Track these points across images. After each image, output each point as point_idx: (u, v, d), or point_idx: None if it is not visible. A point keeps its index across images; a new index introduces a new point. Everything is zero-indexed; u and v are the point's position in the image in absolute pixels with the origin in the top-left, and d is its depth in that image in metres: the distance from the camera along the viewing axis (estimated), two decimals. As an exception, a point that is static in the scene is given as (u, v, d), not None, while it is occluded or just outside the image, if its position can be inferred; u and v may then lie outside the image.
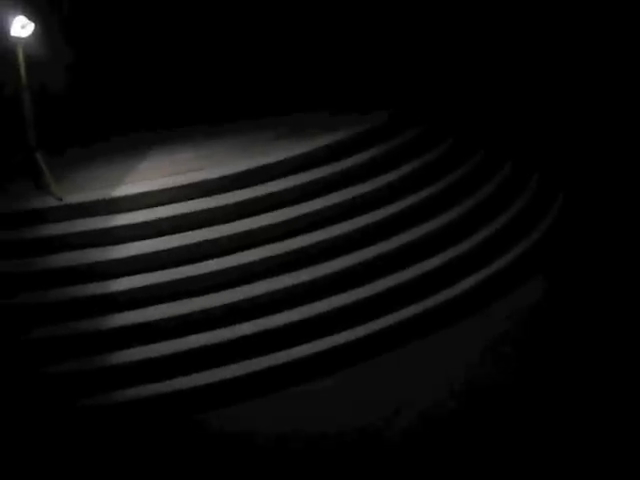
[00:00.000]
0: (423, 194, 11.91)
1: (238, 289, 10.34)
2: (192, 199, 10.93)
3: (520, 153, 13.39)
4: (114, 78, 12.81)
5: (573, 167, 13.42)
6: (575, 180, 13.21)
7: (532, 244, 11.96)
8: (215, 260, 10.52)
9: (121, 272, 10.22)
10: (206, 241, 10.59)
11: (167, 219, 10.68)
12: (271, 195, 11.18)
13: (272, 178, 11.42)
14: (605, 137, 13.86)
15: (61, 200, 10.60)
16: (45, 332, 9.65)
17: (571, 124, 13.99)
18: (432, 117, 13.03)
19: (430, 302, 10.73)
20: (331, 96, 13.41)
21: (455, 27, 14.12)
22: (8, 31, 10.53)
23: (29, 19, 10.55)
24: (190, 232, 10.65)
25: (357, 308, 10.48)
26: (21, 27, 10.53)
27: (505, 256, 11.59)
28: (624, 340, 10.05)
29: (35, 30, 10.60)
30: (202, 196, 10.98)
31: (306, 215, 11.17)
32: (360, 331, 10.24)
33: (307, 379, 9.72)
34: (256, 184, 11.28)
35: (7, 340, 9.57)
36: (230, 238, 10.73)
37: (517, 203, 12.51)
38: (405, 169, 12.11)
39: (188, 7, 13.22)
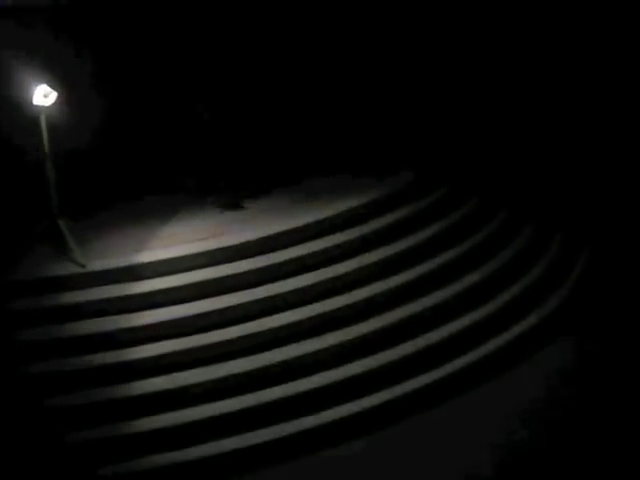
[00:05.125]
0: (447, 255, 11.86)
1: (263, 354, 10.20)
2: (214, 265, 10.85)
3: (544, 212, 13.35)
4: (136, 145, 12.83)
5: (597, 225, 13.34)
6: (600, 238, 13.12)
7: (558, 304, 11.85)
8: (240, 326, 10.39)
9: (145, 339, 10.08)
10: (230, 307, 10.48)
11: (190, 285, 10.56)
12: (295, 259, 11.11)
13: (296, 242, 11.36)
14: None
15: (84, 267, 10.53)
16: (65, 400, 9.47)
17: (595, 185, 13.93)
18: (453, 179, 13.04)
19: (459, 363, 10.61)
20: (351, 160, 13.47)
21: (475, 87, 14.26)
22: (31, 99, 10.58)
23: (51, 87, 10.61)
24: (213, 298, 10.54)
25: (384, 371, 10.34)
26: (44, 96, 10.59)
27: (529, 318, 11.48)
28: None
29: (58, 98, 10.64)
30: (225, 262, 10.90)
31: (332, 279, 11.07)
32: (386, 395, 10.09)
33: (336, 443, 9.57)
34: (280, 249, 11.22)
35: (26, 408, 9.40)
36: (253, 304, 10.62)
37: (541, 263, 12.42)
38: (427, 232, 12.07)
39: (210, 73, 13.29)
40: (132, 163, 12.68)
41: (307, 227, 11.52)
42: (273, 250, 11.18)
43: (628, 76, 14.39)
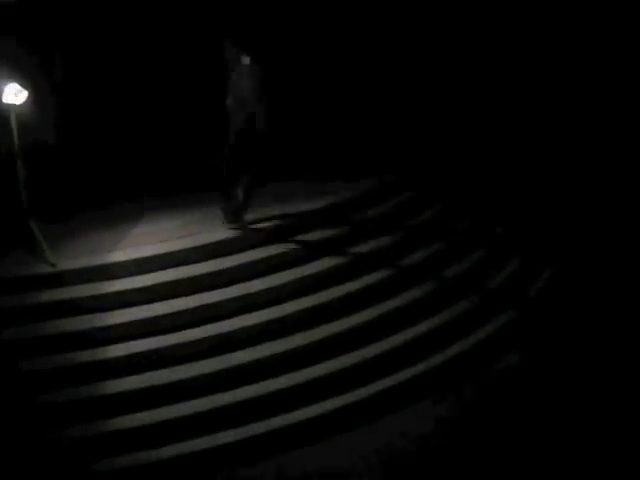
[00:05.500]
0: (407, 261, 11.94)
1: (235, 354, 10.21)
2: (187, 264, 10.88)
3: (507, 221, 13.39)
4: (104, 148, 12.81)
5: (562, 242, 13.35)
6: (563, 256, 13.09)
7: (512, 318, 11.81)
8: (211, 325, 10.41)
9: (119, 337, 10.06)
10: (202, 306, 10.51)
11: (162, 285, 10.58)
12: (266, 259, 11.18)
13: (267, 242, 11.44)
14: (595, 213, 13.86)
15: (55, 266, 10.48)
16: (42, 399, 9.43)
17: (562, 198, 14.02)
18: (419, 184, 13.15)
19: (421, 367, 10.69)
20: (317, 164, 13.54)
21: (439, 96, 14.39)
22: (0, 98, 10.51)
23: (22, 86, 10.54)
24: (186, 297, 10.56)
25: (354, 372, 10.40)
26: (14, 94, 10.52)
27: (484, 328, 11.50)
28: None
29: (28, 97, 10.58)
30: (197, 261, 10.94)
31: (299, 280, 11.15)
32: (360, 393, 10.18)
33: (307, 443, 9.60)
34: (252, 248, 11.29)
35: (4, 407, 9.35)
36: (225, 303, 10.65)
37: (501, 273, 12.46)
38: (388, 239, 12.14)
39: (175, 79, 13.33)
40: (104, 167, 12.68)
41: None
42: (245, 249, 11.23)
43: (588, 93, 14.59)
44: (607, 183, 14.14)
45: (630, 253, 12.95)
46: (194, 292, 10.63)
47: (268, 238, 11.51)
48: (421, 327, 11.12)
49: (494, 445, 9.45)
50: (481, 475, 9.07)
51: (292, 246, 11.51)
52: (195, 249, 11.06)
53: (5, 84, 10.49)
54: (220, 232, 11.39)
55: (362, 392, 10.19)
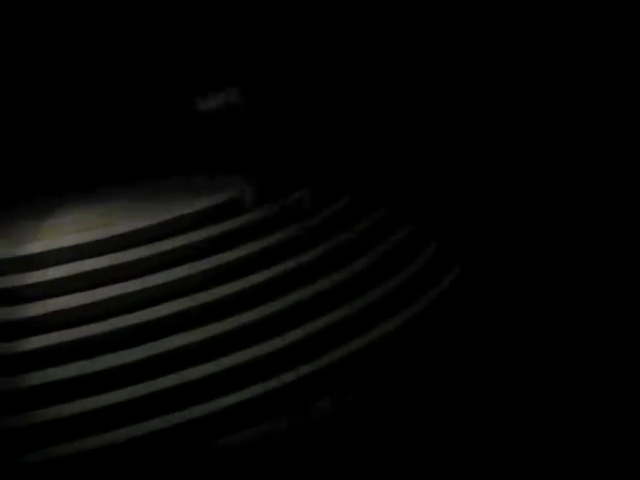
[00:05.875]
0: (310, 255, 12.03)
1: (151, 344, 10.27)
2: (101, 255, 10.94)
3: (419, 214, 13.36)
4: (21, 140, 12.70)
5: (475, 238, 13.19)
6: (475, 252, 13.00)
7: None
8: (125, 316, 10.45)
9: (33, 330, 10.06)
10: (118, 296, 10.56)
11: (76, 276, 10.62)
12: (179, 249, 11.31)
13: (177, 233, 11.55)
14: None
15: (-32, 259, 10.43)
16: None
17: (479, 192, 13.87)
18: (325, 177, 13.30)
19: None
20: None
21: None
22: None
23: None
24: (103, 288, 10.61)
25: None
26: None
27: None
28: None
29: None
30: (111, 252, 11.01)
31: (208, 270, 11.26)
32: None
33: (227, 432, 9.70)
34: (162, 239, 11.38)
35: None
36: (139, 293, 10.72)
37: (408, 268, 12.48)
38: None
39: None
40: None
41: (191, 216, 11.82)
42: (158, 239, 11.34)
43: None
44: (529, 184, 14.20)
45: (543, 250, 12.95)
46: (111, 282, 10.69)
47: (169, 232, 11.58)
48: (328, 319, 11.22)
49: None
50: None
51: (190, 241, 11.56)
52: (97, 242, 11.09)
53: None
54: (124, 224, 11.45)
55: (259, 388, 10.21)
